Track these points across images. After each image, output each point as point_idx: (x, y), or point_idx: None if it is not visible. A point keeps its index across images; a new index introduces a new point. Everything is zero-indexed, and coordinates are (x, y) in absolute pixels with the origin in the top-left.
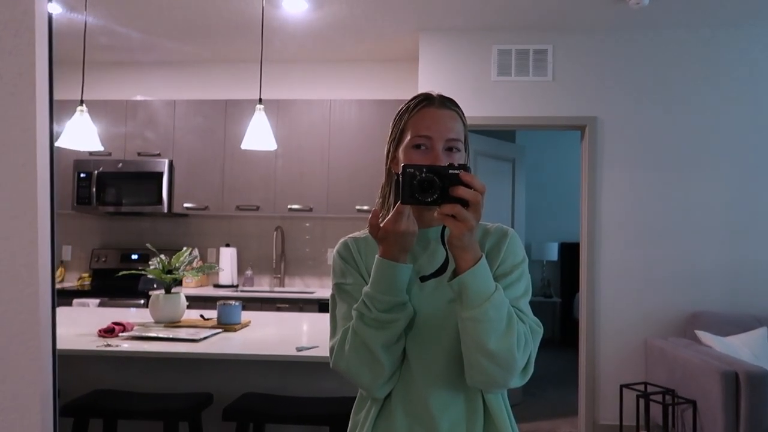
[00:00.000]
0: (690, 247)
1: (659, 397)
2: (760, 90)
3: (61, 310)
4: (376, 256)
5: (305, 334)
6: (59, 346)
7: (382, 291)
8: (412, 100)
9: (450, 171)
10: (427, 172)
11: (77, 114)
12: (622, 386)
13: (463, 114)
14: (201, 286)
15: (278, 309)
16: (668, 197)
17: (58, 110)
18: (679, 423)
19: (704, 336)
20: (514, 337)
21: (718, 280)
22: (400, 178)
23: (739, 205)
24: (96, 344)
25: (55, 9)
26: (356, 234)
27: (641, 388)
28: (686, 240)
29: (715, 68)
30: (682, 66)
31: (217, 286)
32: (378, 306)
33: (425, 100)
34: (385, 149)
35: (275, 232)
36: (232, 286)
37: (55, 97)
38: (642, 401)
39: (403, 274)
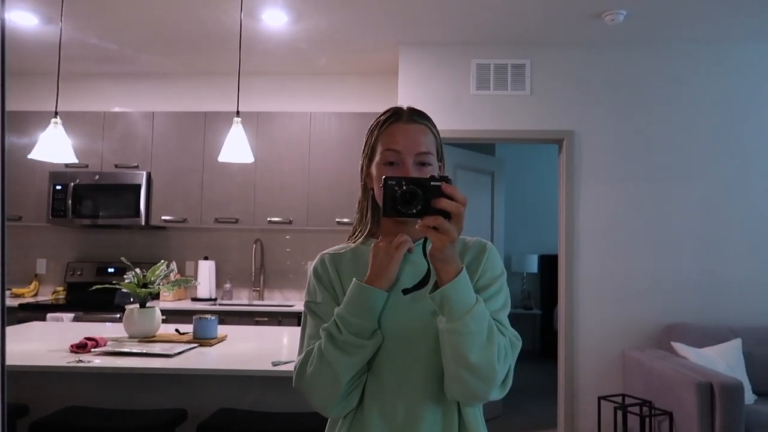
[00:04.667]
0: (666, 260)
1: (636, 409)
2: (732, 105)
3: (34, 325)
4: (354, 279)
5: (284, 348)
6: (30, 362)
7: (355, 314)
8: (382, 115)
9: (432, 183)
10: (410, 185)
11: (51, 126)
12: (600, 398)
13: (433, 126)
14: (179, 299)
15: (257, 322)
16: (644, 210)
17: (33, 122)
18: None
19: (680, 347)
20: (495, 350)
21: (693, 292)
22: (382, 191)
23: (713, 217)
24: (67, 360)
25: (31, 20)
26: (335, 248)
27: (619, 399)
28: (662, 252)
29: (689, 83)
30: (658, 81)
31: (196, 299)
32: (349, 328)
33: (394, 116)
34: (360, 164)
35: (254, 245)
36: (210, 299)
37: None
38: (620, 413)
39: (378, 299)
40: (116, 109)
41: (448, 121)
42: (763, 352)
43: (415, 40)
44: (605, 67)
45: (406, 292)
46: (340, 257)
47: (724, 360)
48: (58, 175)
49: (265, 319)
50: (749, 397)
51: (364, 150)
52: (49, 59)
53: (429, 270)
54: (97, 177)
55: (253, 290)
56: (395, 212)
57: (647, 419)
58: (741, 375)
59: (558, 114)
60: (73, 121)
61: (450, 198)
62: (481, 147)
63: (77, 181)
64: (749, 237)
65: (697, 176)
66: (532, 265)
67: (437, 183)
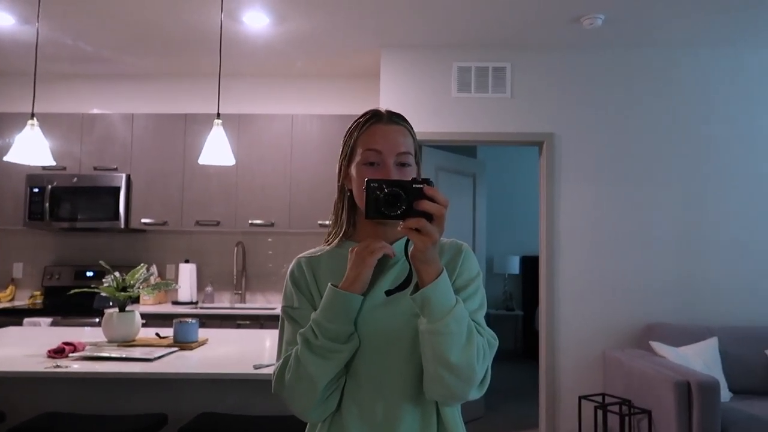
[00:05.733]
0: (645, 261)
1: (616, 408)
2: (711, 108)
3: (10, 330)
4: (329, 284)
5: (266, 351)
6: (6, 368)
7: (330, 319)
8: (361, 117)
9: (414, 185)
10: (392, 187)
11: (27, 127)
12: (580, 398)
13: (411, 128)
14: (159, 303)
15: (239, 326)
16: (624, 212)
17: (9, 124)
18: None
19: (659, 347)
20: (474, 350)
21: (672, 293)
22: (365, 193)
23: (691, 219)
24: (45, 365)
25: (7, 20)
26: (311, 252)
27: (599, 399)
28: (642, 254)
29: (668, 87)
30: (636, 84)
31: (176, 303)
32: (325, 334)
33: (374, 117)
34: (337, 166)
35: (236, 248)
36: (191, 303)
37: (7, 109)
38: (600, 412)
39: (353, 304)
40: (95, 111)
41: (429, 123)
42: (738, 351)
43: (397, 42)
44: (585, 70)
45: (389, 293)
46: (318, 260)
47: (701, 359)
48: (35, 177)
49: (247, 322)
50: (725, 394)
51: (342, 151)
52: (26, 60)
53: (411, 271)
54: (75, 179)
55: (235, 293)
56: (378, 214)
57: (627, 418)
58: (717, 373)
59: (538, 116)
60: (50, 123)
61: (432, 200)
62: (462, 149)
63: (55, 183)
64: (726, 239)
65: (675, 178)
66: (514, 267)
67: (419, 185)
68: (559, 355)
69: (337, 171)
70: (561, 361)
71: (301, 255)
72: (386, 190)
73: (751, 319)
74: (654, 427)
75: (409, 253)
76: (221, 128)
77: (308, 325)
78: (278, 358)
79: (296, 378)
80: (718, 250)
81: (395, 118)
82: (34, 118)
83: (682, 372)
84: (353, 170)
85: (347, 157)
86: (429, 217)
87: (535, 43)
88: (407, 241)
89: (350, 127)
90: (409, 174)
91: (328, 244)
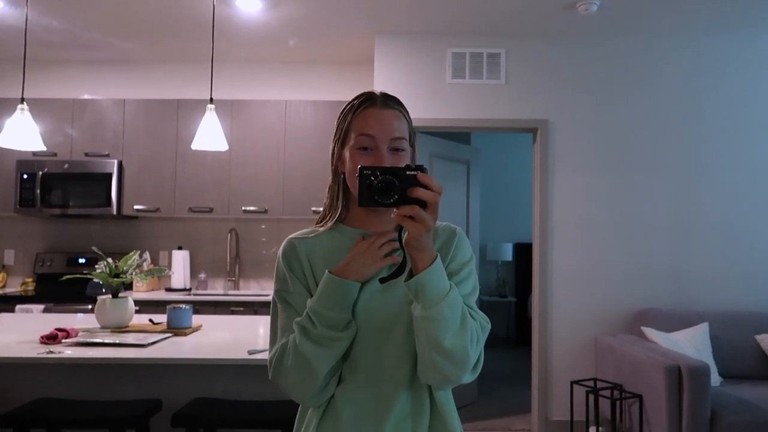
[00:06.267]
0: (637, 248)
1: (608, 392)
2: (705, 95)
3: (2, 317)
4: (326, 271)
5: (260, 337)
6: None
7: (328, 307)
8: (355, 99)
9: (407, 172)
10: (386, 174)
11: (17, 112)
12: (572, 382)
13: (406, 112)
14: (152, 290)
15: (232, 312)
16: (617, 199)
17: None
18: (627, 416)
19: (650, 332)
20: (468, 335)
21: (663, 279)
22: (357, 180)
23: (683, 207)
24: (38, 351)
25: None
26: (303, 232)
27: (591, 384)
28: (634, 240)
29: (662, 74)
30: (630, 71)
31: (170, 290)
32: (323, 322)
33: (368, 100)
34: (330, 149)
35: (229, 234)
36: (185, 289)
37: None
38: (591, 397)
39: (351, 292)
40: (86, 97)
41: (423, 109)
42: (728, 335)
43: (392, 28)
44: (579, 56)
45: (383, 281)
46: (312, 243)
47: (691, 344)
48: (25, 163)
49: (241, 308)
50: (715, 379)
51: (335, 134)
52: (15, 44)
53: (405, 259)
54: (66, 166)
55: (229, 280)
56: (372, 202)
57: (618, 402)
58: (708, 358)
59: (532, 103)
60: (40, 109)
61: (426, 187)
62: (456, 136)
63: (46, 169)
64: (718, 226)
65: (667, 166)
66: (507, 254)
67: (413, 172)
68: (552, 341)
69: (330, 154)
70: (553, 347)
71: (292, 236)
72: (379, 178)
73: (741, 304)
74: (645, 411)
75: (403, 240)
76: (214, 113)
77: (305, 314)
78: (272, 343)
79: (296, 366)
80: (709, 236)
81: (389, 102)
82: (24, 103)
83: (673, 357)
84: (346, 154)
85: (340, 140)
86: (423, 204)
87: (531, 30)
88: (401, 228)
89: (344, 109)
90: (403, 159)
91: (321, 227)
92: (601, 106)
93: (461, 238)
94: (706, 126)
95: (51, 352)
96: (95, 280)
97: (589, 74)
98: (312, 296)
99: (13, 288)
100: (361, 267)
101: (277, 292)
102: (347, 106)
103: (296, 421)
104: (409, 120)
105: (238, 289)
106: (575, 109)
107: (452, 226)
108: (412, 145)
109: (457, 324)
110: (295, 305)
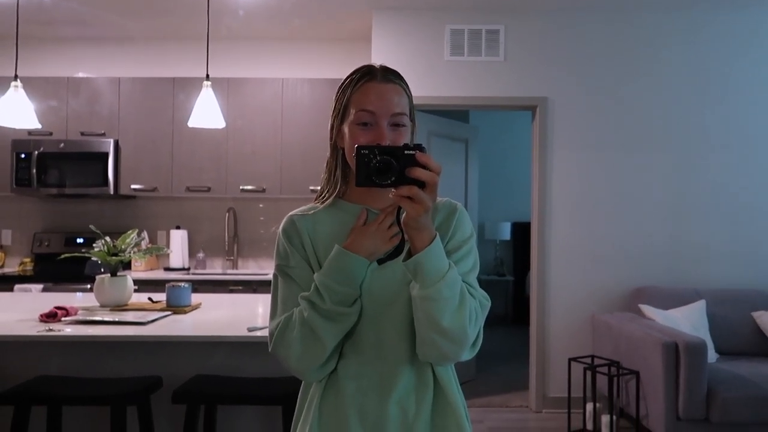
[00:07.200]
0: (635, 226)
1: (605, 369)
2: (705, 73)
3: (1, 296)
4: (336, 245)
5: (259, 315)
6: None
7: (339, 281)
8: (354, 73)
9: (406, 152)
10: (384, 154)
11: (11, 90)
12: (570, 360)
13: (407, 86)
14: (151, 269)
15: (231, 291)
16: (615, 177)
17: None
18: (624, 393)
19: (647, 309)
20: (467, 313)
21: (661, 257)
22: (355, 160)
23: (680, 185)
24: (37, 329)
25: None
26: (303, 209)
27: (588, 360)
28: (631, 218)
29: (662, 52)
30: (630, 49)
31: (168, 269)
32: (332, 297)
33: (368, 74)
34: (329, 123)
35: (227, 214)
36: (183, 269)
37: None
38: (589, 373)
39: (361, 267)
40: (80, 75)
41: (421, 87)
42: (725, 312)
43: (389, 4)
44: (579, 34)
45: (381, 261)
46: (312, 219)
47: (688, 321)
48: (20, 143)
49: (240, 288)
50: (712, 355)
51: (335, 108)
52: (7, 21)
53: (403, 238)
54: (62, 145)
55: (227, 259)
56: (369, 182)
57: (615, 378)
58: (704, 335)
59: (532, 81)
60: (34, 87)
61: (424, 167)
62: (454, 114)
63: (41, 149)
64: (714, 206)
65: (665, 145)
66: (505, 233)
67: (411, 152)
68: (550, 319)
69: (329, 129)
70: (551, 325)
71: (293, 212)
72: (377, 158)
73: (738, 282)
74: (642, 388)
75: (402, 220)
76: (210, 90)
77: (313, 288)
78: (272, 316)
79: (300, 338)
80: (706, 215)
81: (390, 76)
82: (18, 80)
83: (670, 333)
84: (346, 130)
85: (340, 115)
86: (421, 184)
87: (530, 6)
88: (399, 207)
89: (343, 83)
90: (404, 135)
91: (321, 203)
92: (601, 84)
93: (462, 214)
94: (704, 103)
95: (50, 329)
96: (93, 258)
97: (588, 51)
98: (314, 271)
99: (11, 268)
100: (371, 246)
101: (278, 266)
102: (346, 79)
103: (299, 397)
104: (409, 94)
105: (236, 269)
106: (574, 86)
107: (453, 202)
108: (412, 120)
109: (456, 303)
110: (296, 279)
